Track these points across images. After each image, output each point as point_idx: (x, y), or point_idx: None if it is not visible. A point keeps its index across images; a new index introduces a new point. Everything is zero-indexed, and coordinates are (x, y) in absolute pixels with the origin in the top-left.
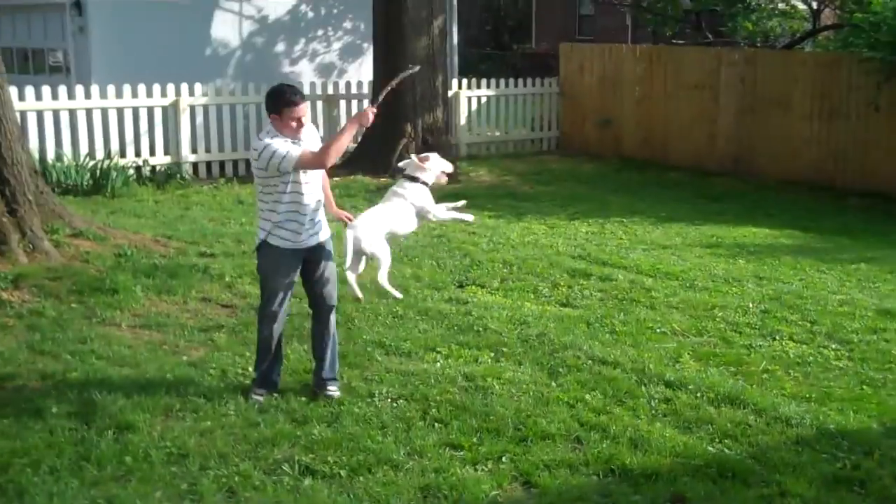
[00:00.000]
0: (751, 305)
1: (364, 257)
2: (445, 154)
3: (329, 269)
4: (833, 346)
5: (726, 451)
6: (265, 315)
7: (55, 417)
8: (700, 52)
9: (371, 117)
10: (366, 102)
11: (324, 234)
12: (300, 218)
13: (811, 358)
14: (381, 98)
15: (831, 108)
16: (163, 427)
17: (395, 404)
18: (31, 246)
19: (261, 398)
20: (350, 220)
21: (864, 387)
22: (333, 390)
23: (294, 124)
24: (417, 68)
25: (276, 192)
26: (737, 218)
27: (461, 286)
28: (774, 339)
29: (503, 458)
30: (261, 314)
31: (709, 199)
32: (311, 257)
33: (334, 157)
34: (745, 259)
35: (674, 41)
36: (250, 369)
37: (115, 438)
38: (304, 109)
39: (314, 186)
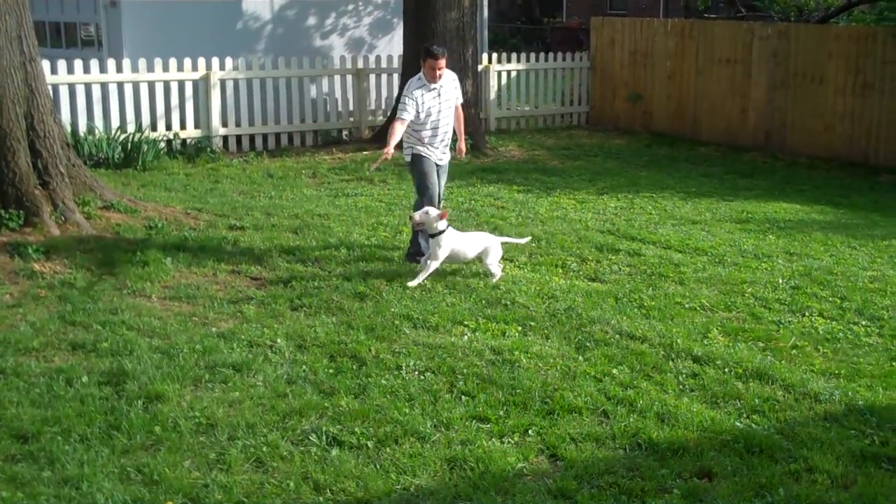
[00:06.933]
0: (780, 281)
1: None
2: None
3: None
4: (863, 323)
5: (754, 426)
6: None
7: (86, 387)
8: (732, 27)
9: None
10: (395, 76)
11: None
12: (428, 140)
13: (841, 334)
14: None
15: (865, 83)
16: (192, 397)
17: (422, 377)
18: (62, 218)
19: None
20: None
21: (894, 363)
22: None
23: (433, 72)
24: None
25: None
26: (767, 193)
27: None
28: (804, 314)
29: (530, 431)
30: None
31: (739, 174)
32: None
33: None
34: (776, 235)
35: (706, 15)
36: (279, 341)
37: (145, 408)
38: (441, 64)
39: (430, 125)
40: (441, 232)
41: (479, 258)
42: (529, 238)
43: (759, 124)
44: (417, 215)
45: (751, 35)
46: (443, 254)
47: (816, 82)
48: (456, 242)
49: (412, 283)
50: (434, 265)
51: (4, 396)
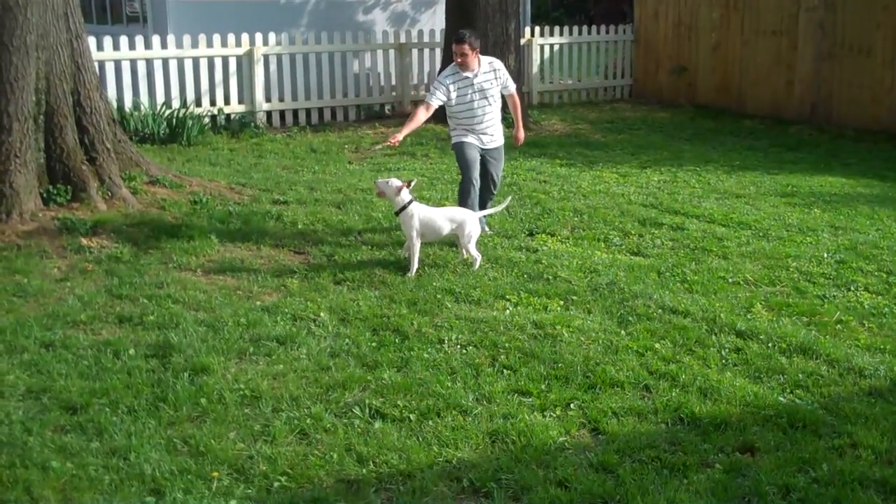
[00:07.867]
0: (825, 255)
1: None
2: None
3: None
4: None
5: (797, 401)
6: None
7: (133, 359)
8: None
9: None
10: (438, 51)
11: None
12: (467, 127)
13: (887, 309)
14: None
15: None
16: (236, 370)
17: (464, 350)
18: (109, 193)
19: None
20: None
21: None
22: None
23: (458, 59)
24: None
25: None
26: (813, 167)
27: (531, 234)
28: (849, 289)
29: (571, 405)
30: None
31: (784, 147)
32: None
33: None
34: (821, 208)
35: None
36: (322, 314)
37: (191, 380)
38: (464, 49)
39: (466, 113)
40: (404, 207)
41: (456, 235)
42: (511, 198)
43: (805, 97)
44: (380, 183)
45: (797, 6)
46: (414, 231)
47: (864, 54)
48: (425, 216)
49: (409, 275)
50: (415, 246)
51: (53, 368)
